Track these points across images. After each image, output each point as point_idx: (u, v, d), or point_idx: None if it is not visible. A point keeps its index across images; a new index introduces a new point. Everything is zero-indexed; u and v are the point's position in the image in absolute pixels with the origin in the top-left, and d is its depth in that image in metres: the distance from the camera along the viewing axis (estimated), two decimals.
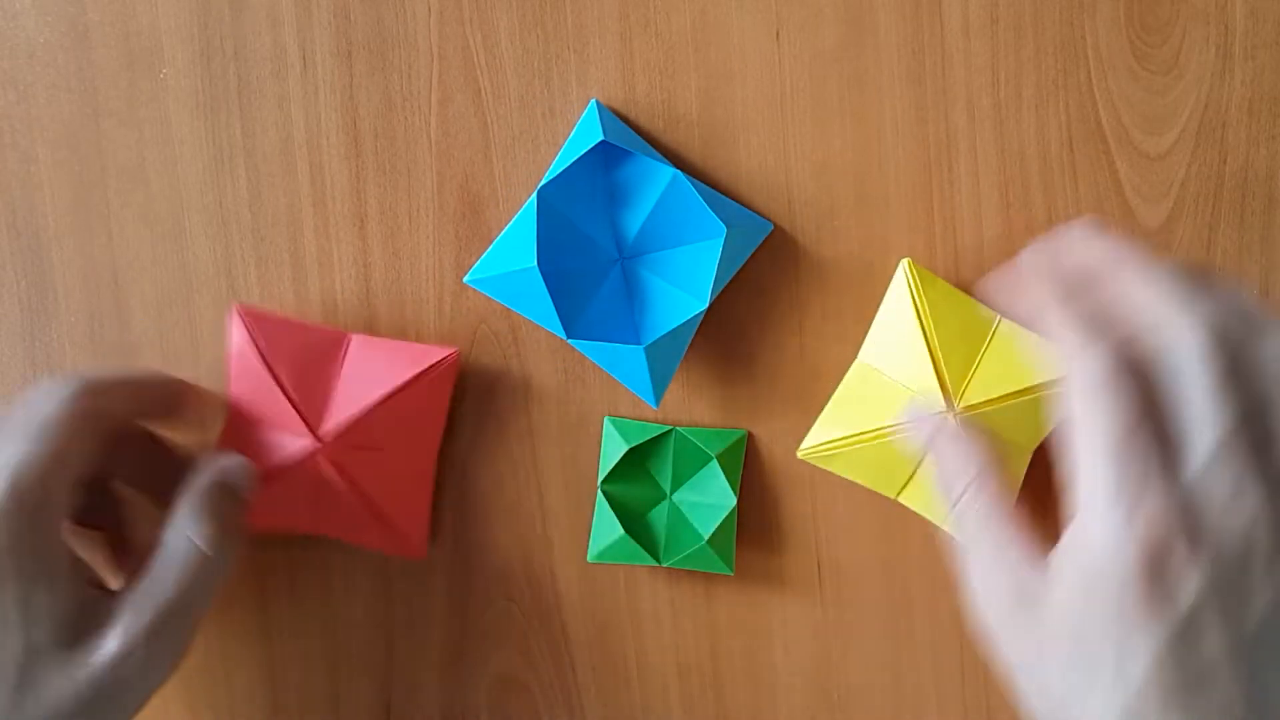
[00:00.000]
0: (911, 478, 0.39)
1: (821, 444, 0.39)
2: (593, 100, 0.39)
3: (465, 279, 0.39)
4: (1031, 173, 0.40)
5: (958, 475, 0.33)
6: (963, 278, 0.41)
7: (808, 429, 0.41)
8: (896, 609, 0.42)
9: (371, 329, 0.42)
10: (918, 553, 0.42)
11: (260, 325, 0.39)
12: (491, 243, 0.41)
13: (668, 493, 0.41)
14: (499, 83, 0.41)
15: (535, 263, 0.37)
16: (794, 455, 0.41)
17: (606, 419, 0.41)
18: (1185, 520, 0.26)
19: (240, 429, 0.39)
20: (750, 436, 0.42)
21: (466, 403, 0.42)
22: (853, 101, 0.40)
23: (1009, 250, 0.40)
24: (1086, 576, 0.27)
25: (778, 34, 0.40)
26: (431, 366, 0.39)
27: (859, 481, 0.40)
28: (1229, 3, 0.39)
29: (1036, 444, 0.39)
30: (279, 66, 0.41)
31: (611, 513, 0.40)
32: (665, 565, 0.40)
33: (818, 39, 0.40)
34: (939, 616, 0.42)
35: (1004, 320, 0.39)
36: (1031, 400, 0.38)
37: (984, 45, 0.40)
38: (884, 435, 0.38)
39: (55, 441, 0.34)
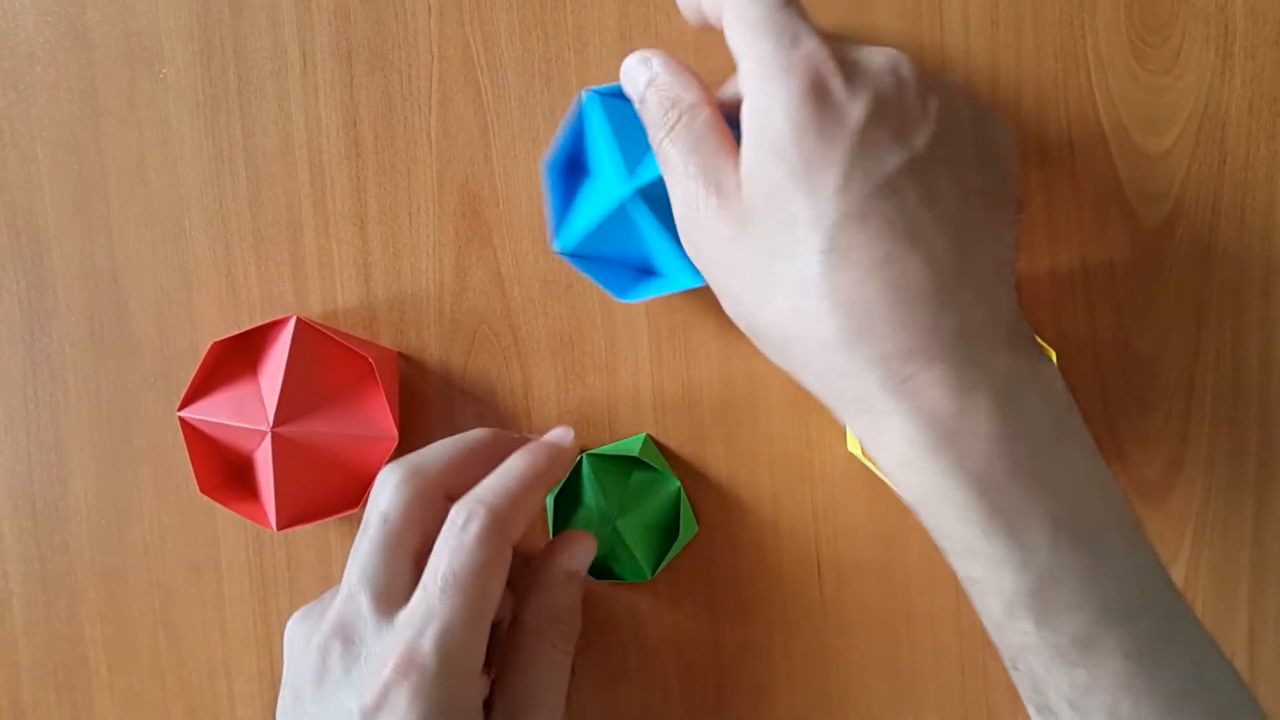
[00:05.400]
0: None
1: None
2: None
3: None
4: (1031, 173, 0.40)
5: (675, 101, 0.32)
6: None
7: (809, 429, 0.41)
8: (896, 609, 0.42)
9: (371, 329, 0.42)
10: (918, 553, 0.42)
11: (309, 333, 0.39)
12: (490, 242, 0.41)
13: (612, 516, 0.40)
14: (499, 83, 0.41)
15: (552, 165, 0.37)
16: (796, 455, 0.41)
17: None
18: (838, 57, 0.28)
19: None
20: (757, 435, 0.42)
21: (467, 403, 0.42)
22: None
23: None
24: (764, 132, 0.29)
25: None
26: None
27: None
28: (1229, 3, 0.39)
29: None
30: (279, 66, 0.41)
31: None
32: (651, 576, 0.41)
33: None
34: (939, 616, 0.42)
35: None
36: None
37: (984, 45, 0.40)
38: None
39: (480, 603, 0.33)
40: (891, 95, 0.28)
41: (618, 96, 0.36)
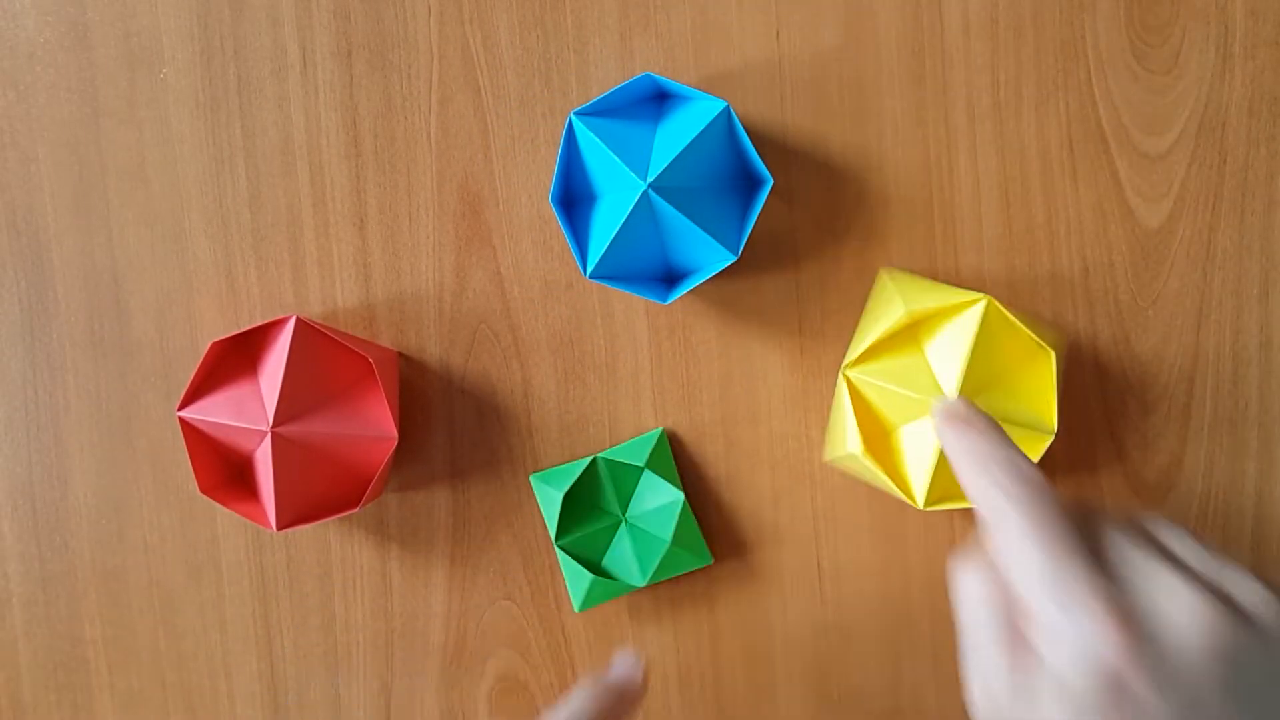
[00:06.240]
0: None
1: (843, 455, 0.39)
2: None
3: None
4: (1031, 173, 0.40)
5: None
6: (963, 278, 0.41)
7: (809, 429, 0.41)
8: (896, 609, 0.42)
9: (371, 329, 0.42)
10: (918, 553, 0.42)
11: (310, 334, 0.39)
12: (490, 242, 0.41)
13: (621, 515, 0.42)
14: (499, 83, 0.41)
15: (555, 199, 0.38)
16: (796, 455, 0.41)
17: (531, 476, 0.42)
18: (1138, 641, 0.25)
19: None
20: (757, 435, 0.42)
21: (467, 403, 0.42)
22: (853, 101, 0.40)
23: (1009, 250, 0.40)
24: (1059, 698, 0.26)
25: (778, 34, 0.40)
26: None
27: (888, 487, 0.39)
28: (1229, 3, 0.39)
29: (1053, 420, 0.38)
30: (279, 66, 0.41)
31: (575, 563, 0.40)
32: (646, 584, 0.40)
33: (818, 39, 0.40)
34: (939, 616, 0.42)
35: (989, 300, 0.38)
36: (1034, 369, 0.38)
37: (984, 45, 0.40)
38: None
39: None
40: (1196, 679, 0.25)
41: (602, 114, 0.37)
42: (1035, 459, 0.37)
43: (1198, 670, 0.25)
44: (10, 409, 0.43)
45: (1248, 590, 0.26)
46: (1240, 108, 0.40)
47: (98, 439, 0.43)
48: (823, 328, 0.41)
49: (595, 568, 0.41)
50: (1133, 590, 0.26)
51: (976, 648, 0.28)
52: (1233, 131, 0.40)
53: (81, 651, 0.44)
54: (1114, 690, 0.25)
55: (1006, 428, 0.38)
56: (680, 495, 0.40)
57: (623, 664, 0.35)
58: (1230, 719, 0.25)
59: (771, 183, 0.37)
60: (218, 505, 0.41)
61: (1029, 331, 0.37)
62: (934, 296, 0.38)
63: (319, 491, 0.39)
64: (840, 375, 0.38)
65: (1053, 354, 0.37)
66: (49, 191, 0.42)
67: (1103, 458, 0.41)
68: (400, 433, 0.40)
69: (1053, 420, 0.38)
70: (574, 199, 0.39)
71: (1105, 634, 0.25)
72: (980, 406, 0.36)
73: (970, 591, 0.29)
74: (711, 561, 0.41)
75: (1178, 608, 0.25)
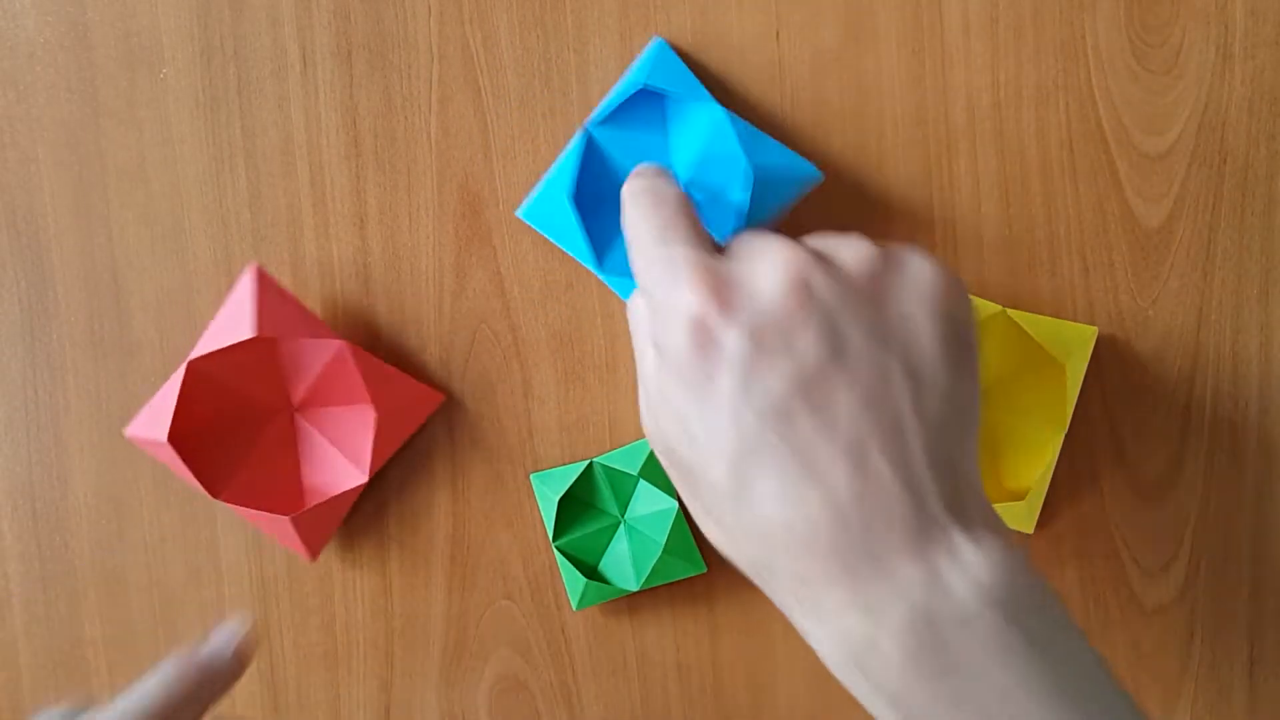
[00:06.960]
0: None
1: None
2: (658, 40, 0.39)
3: (517, 212, 0.40)
4: (1031, 173, 0.40)
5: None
6: (963, 278, 0.41)
7: None
8: None
9: (371, 329, 0.42)
10: None
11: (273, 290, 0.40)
12: (490, 242, 0.41)
13: (620, 516, 0.42)
14: (499, 83, 0.41)
15: (569, 196, 0.38)
16: None
17: (531, 475, 0.42)
18: (713, 283, 0.28)
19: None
20: None
21: (467, 402, 0.42)
22: (853, 101, 0.40)
23: (1009, 250, 0.40)
24: (674, 377, 0.28)
25: (778, 34, 0.40)
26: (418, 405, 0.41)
27: None
28: (1229, 3, 0.39)
29: (1066, 417, 0.39)
30: (279, 66, 0.41)
31: (571, 566, 0.41)
32: (640, 589, 0.40)
33: (818, 39, 0.40)
34: None
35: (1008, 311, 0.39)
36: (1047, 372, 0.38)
37: (984, 45, 0.40)
38: None
39: None
40: (773, 312, 0.27)
41: (617, 124, 0.38)
42: (1050, 457, 0.39)
43: (776, 307, 0.27)
44: (10, 409, 0.43)
45: (851, 248, 0.30)
46: (1240, 108, 0.40)
47: (98, 439, 0.43)
48: None
49: (592, 569, 0.41)
50: (735, 259, 0.29)
51: (638, 363, 0.31)
52: (1233, 131, 0.40)
53: (81, 651, 0.44)
54: (699, 338, 0.27)
55: (1017, 432, 0.38)
56: (674, 504, 0.40)
57: (218, 636, 0.33)
58: (806, 347, 0.27)
59: (821, 177, 0.38)
60: (218, 505, 0.41)
61: (1039, 343, 0.38)
62: None
63: (272, 478, 0.41)
64: None
65: (1064, 366, 0.38)
66: (49, 191, 0.42)
67: (1103, 458, 0.41)
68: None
69: (1065, 418, 0.38)
70: (577, 199, 0.39)
71: (691, 292, 0.28)
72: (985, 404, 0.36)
73: (632, 307, 0.31)
74: (705, 569, 0.41)
75: (765, 260, 0.28)
